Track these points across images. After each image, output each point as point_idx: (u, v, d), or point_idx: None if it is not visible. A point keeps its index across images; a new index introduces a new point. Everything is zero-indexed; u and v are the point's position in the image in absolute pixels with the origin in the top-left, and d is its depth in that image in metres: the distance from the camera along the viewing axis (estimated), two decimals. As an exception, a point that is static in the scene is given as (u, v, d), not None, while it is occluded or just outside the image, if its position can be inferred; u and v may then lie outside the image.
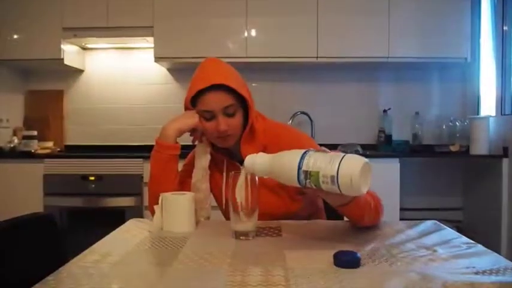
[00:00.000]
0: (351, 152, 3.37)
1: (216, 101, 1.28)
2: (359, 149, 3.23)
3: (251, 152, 1.34)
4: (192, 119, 1.32)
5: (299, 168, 0.95)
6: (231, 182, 1.13)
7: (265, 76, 3.55)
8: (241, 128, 1.34)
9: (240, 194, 1.11)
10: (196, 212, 1.27)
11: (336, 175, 0.91)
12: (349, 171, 0.90)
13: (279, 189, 1.37)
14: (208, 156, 1.37)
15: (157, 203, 1.22)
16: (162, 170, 1.35)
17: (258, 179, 1.32)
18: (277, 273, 0.84)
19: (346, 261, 0.88)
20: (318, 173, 0.93)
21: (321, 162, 0.93)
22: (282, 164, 1.00)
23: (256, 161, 1.05)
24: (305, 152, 0.97)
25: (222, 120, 1.29)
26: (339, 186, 0.92)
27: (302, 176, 0.95)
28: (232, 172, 1.15)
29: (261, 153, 1.07)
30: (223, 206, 1.39)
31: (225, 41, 3.20)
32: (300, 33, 3.19)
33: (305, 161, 0.95)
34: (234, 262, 0.92)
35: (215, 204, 1.45)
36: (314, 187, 0.95)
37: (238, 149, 1.36)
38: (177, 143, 1.35)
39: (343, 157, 0.92)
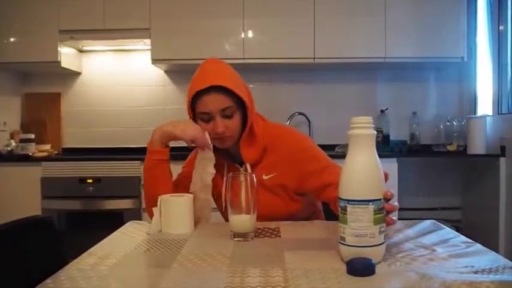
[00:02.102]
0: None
1: (213, 102, 1.27)
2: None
3: (251, 154, 1.35)
4: (181, 132, 1.27)
5: (347, 200, 0.89)
6: (229, 183, 1.12)
7: (263, 77, 3.55)
8: (239, 129, 1.34)
9: (239, 195, 1.11)
10: (195, 214, 1.27)
11: (343, 237, 0.90)
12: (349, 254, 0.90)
13: (279, 189, 1.37)
14: (213, 171, 1.32)
15: (154, 205, 1.22)
16: (152, 174, 1.34)
17: (257, 180, 1.32)
18: (277, 274, 0.84)
19: (361, 269, 0.84)
20: (345, 220, 0.89)
21: (356, 225, 0.88)
22: (358, 176, 0.91)
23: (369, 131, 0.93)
24: (369, 202, 0.88)
25: (219, 121, 1.28)
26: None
27: (341, 203, 0.91)
28: (231, 173, 1.15)
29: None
30: (223, 209, 1.39)
31: (222, 42, 3.20)
32: (297, 34, 3.19)
33: (354, 208, 0.88)
34: (233, 263, 0.92)
35: (214, 205, 1.45)
36: (339, 211, 0.92)
37: (238, 151, 1.37)
38: (167, 146, 1.33)
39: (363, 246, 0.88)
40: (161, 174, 1.34)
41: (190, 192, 1.31)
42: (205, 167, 1.32)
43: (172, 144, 1.35)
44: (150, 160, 1.33)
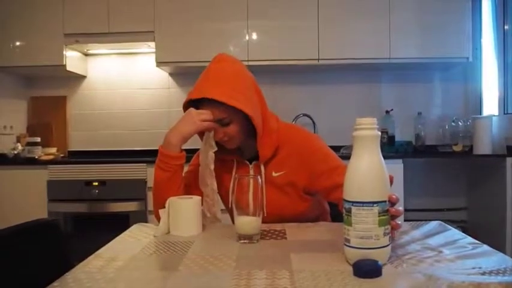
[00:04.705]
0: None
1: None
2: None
3: (265, 151, 1.35)
4: (194, 125, 1.28)
5: (352, 201, 0.89)
6: (235, 185, 1.12)
7: (267, 79, 3.54)
8: (240, 133, 1.33)
9: (245, 197, 1.11)
10: (204, 215, 1.27)
11: (348, 239, 0.90)
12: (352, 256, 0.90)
13: (289, 187, 1.37)
14: (212, 155, 1.33)
15: (163, 208, 1.22)
16: (168, 180, 1.33)
17: (266, 179, 1.32)
18: (283, 276, 0.84)
19: (368, 271, 0.84)
20: (350, 222, 0.89)
21: (360, 227, 0.88)
22: (363, 177, 0.90)
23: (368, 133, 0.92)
24: (374, 203, 0.88)
25: (217, 129, 1.30)
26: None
27: (346, 205, 0.90)
28: (237, 175, 1.15)
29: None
30: (229, 205, 1.38)
31: (227, 44, 3.20)
32: (301, 35, 3.19)
33: (358, 209, 0.88)
34: (239, 265, 0.92)
35: (222, 207, 1.44)
36: (343, 212, 0.92)
37: (247, 147, 1.37)
38: (182, 151, 1.33)
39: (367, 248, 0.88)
40: (177, 179, 1.34)
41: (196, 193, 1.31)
42: (210, 144, 1.32)
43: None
44: (169, 165, 1.31)
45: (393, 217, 0.94)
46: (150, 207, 2.40)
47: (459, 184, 3.50)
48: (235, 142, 1.35)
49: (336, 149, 3.12)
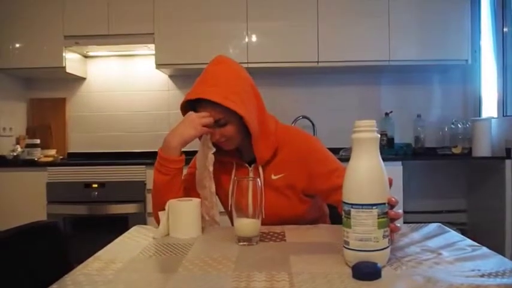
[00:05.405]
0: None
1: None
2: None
3: (263, 153, 1.35)
4: (195, 130, 1.28)
5: (351, 204, 0.89)
6: (234, 187, 1.12)
7: (266, 81, 3.54)
8: (237, 134, 1.33)
9: (245, 199, 1.11)
10: (202, 218, 1.27)
11: (347, 242, 0.90)
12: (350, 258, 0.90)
13: (288, 190, 1.37)
14: (212, 157, 1.33)
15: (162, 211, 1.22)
16: (167, 183, 1.32)
17: (266, 180, 1.32)
18: (282, 279, 0.84)
19: (367, 273, 0.84)
20: (349, 224, 0.89)
21: (359, 229, 0.88)
22: (362, 179, 0.90)
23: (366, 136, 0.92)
24: (373, 206, 0.87)
25: (214, 130, 1.30)
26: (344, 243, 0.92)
27: (345, 207, 0.90)
28: (236, 177, 1.15)
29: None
30: (229, 207, 1.38)
31: (226, 46, 3.21)
32: (301, 38, 3.20)
33: (358, 212, 0.88)
34: (239, 268, 0.92)
35: (222, 210, 1.44)
36: (342, 214, 0.92)
37: (246, 148, 1.37)
38: (181, 154, 1.32)
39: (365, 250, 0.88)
40: (177, 182, 1.34)
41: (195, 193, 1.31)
42: (208, 146, 1.32)
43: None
44: (168, 169, 1.30)
45: (392, 219, 0.94)
46: (149, 209, 2.40)
47: (458, 186, 3.50)
48: (232, 143, 1.35)
49: (335, 151, 3.12)
